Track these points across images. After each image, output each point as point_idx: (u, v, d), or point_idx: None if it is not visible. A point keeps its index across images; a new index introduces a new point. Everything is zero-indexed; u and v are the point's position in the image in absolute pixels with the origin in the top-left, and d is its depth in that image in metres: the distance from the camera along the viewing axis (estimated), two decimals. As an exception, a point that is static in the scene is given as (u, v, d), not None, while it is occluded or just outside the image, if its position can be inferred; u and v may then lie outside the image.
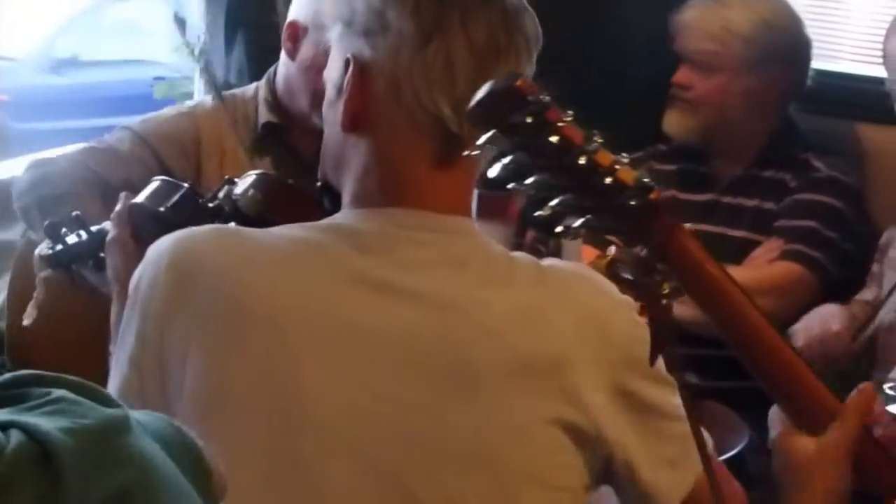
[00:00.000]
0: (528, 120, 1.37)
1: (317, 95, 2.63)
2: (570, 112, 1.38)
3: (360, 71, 1.66)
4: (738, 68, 3.28)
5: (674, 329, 1.44)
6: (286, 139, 2.96)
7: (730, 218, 3.31)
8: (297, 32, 2.85)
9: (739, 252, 3.23)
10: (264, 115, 2.97)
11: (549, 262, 1.73)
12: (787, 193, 3.26)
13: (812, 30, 3.40)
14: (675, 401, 1.57)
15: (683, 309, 1.57)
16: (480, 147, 1.41)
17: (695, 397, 1.72)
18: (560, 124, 1.38)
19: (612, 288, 1.70)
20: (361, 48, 1.66)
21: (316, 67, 2.72)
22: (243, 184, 2.07)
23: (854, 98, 3.41)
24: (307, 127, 2.84)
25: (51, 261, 2.33)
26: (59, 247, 2.32)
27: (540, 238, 2.74)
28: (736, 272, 2.85)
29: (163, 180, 2.19)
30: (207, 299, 1.62)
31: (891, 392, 2.13)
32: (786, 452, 1.54)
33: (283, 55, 2.91)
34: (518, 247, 2.54)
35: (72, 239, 2.32)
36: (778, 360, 1.52)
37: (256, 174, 2.09)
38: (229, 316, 1.62)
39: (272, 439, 1.60)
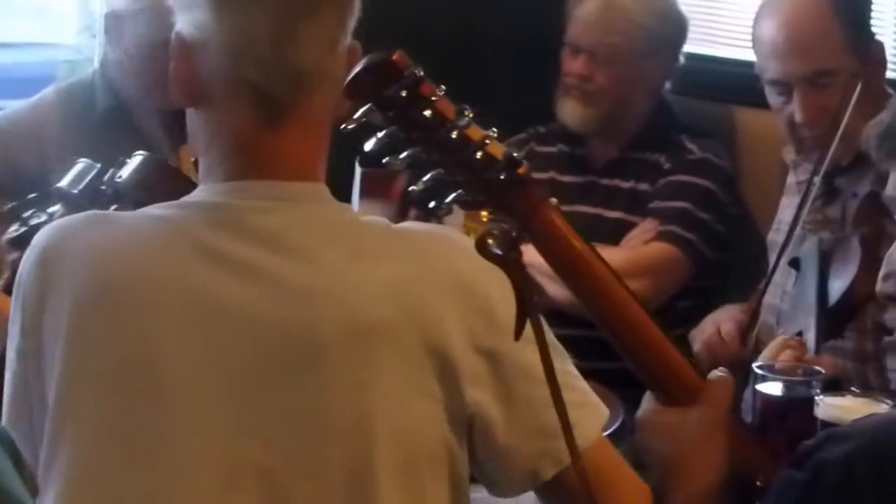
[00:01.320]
0: (402, 94, 1.39)
1: (147, 78, 2.84)
2: (443, 87, 1.40)
3: (181, 46, 1.66)
4: (638, 57, 3.34)
5: (539, 302, 1.47)
6: (128, 122, 3.05)
7: (606, 199, 3.36)
8: (115, 21, 3.01)
9: (616, 233, 3.28)
10: (104, 101, 3.07)
11: (403, 224, 1.72)
12: (662, 175, 3.31)
13: (689, 14, 3.45)
14: (568, 369, 1.60)
15: (560, 290, 1.60)
16: (357, 121, 1.43)
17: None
18: (433, 98, 1.40)
19: (473, 251, 1.67)
20: (181, 24, 1.66)
21: (141, 51, 2.93)
22: (128, 167, 2.08)
23: (728, 82, 3.45)
24: (144, 109, 2.98)
25: (16, 243, 2.35)
26: (24, 228, 2.34)
27: (423, 217, 2.76)
28: (611, 253, 2.92)
29: (84, 163, 2.25)
30: (74, 282, 1.64)
31: (759, 371, 2.18)
32: (655, 428, 1.56)
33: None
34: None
35: (35, 220, 2.35)
36: (641, 337, 1.56)
37: (140, 157, 2.11)
38: (92, 295, 1.63)
39: (130, 414, 1.60)
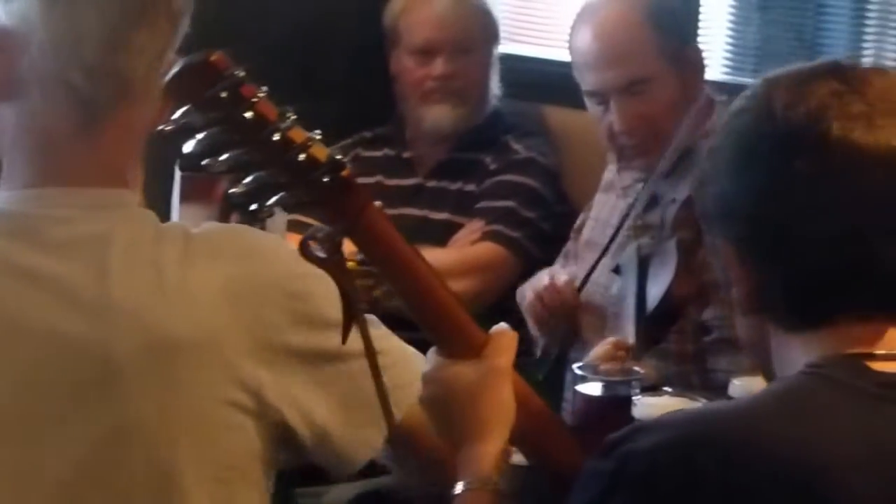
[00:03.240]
0: (223, 95, 1.38)
1: None
2: (265, 88, 1.39)
3: (1, 36, 1.61)
4: (490, 46, 3.41)
5: (363, 302, 1.47)
6: None
7: (434, 201, 3.38)
8: None
9: (443, 235, 3.30)
10: None
11: (202, 228, 1.69)
12: (487, 175, 3.34)
13: (504, 14, 3.54)
14: (380, 332, 1.60)
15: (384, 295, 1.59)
16: (177, 122, 1.41)
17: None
18: (254, 100, 1.39)
19: (273, 247, 1.69)
20: (3, 13, 1.62)
21: None
22: None
23: (544, 81, 3.48)
24: None
25: None
26: None
27: (244, 221, 2.73)
28: (438, 254, 2.92)
29: None
30: None
31: (579, 372, 2.21)
32: (450, 382, 1.54)
33: None
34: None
35: None
36: (465, 340, 1.55)
37: None
38: None
39: None
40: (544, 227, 3.29)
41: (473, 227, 3.27)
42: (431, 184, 3.41)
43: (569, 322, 2.84)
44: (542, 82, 3.46)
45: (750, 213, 1.39)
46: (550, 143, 3.46)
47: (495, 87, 3.44)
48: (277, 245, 1.71)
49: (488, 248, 3.23)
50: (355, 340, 1.57)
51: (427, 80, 3.36)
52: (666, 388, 2.40)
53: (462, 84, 3.36)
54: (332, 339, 1.62)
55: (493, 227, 3.24)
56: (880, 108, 1.38)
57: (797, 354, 1.39)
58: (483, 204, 3.30)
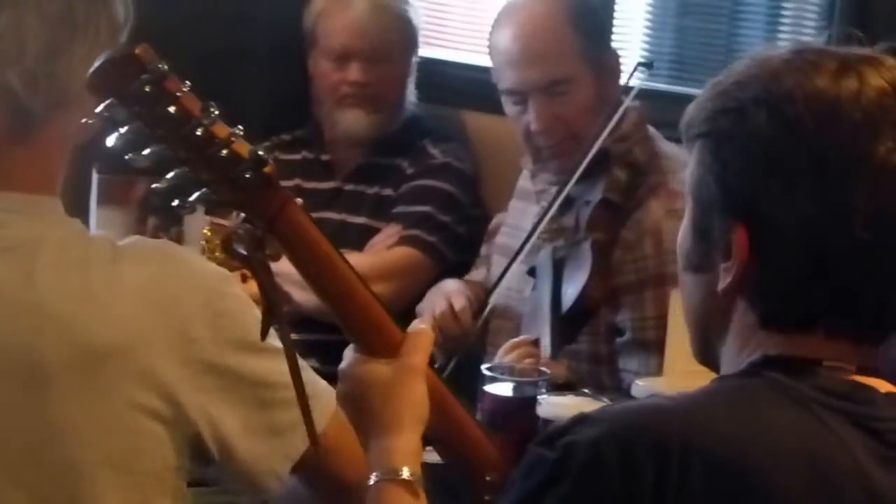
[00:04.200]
0: (146, 89, 1.38)
1: None
2: (188, 83, 1.39)
3: None
4: (407, 54, 3.41)
5: (284, 303, 1.48)
6: None
7: (352, 205, 3.38)
8: None
9: (361, 238, 3.31)
10: None
11: (129, 241, 1.71)
12: (405, 179, 3.36)
13: (424, 19, 3.52)
14: (279, 368, 1.58)
15: (307, 296, 1.60)
16: (98, 116, 1.41)
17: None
18: (178, 94, 1.39)
19: (199, 265, 1.71)
20: None
21: None
22: None
23: (463, 86, 3.50)
24: None
25: None
26: None
27: (162, 225, 2.73)
28: (356, 258, 2.93)
29: None
30: None
31: (487, 372, 2.23)
32: (364, 378, 1.55)
33: None
34: (139, 234, 2.52)
35: None
36: (383, 339, 1.56)
37: None
38: None
39: None
40: (460, 231, 3.31)
41: (390, 232, 3.28)
42: (349, 187, 3.42)
43: (465, 344, 2.86)
44: (462, 87, 3.48)
45: (780, 214, 1.38)
46: (467, 147, 3.49)
47: (412, 93, 3.45)
48: (203, 261, 1.74)
49: (405, 253, 3.24)
50: (276, 370, 1.60)
51: (342, 84, 3.37)
52: (584, 391, 2.43)
53: (376, 91, 3.36)
54: (253, 364, 1.67)
55: (411, 232, 3.26)
56: None
57: (754, 344, 1.42)
58: (400, 209, 3.32)
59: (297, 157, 3.49)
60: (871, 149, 1.37)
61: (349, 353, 1.59)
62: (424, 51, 3.52)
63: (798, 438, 1.33)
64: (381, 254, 3.24)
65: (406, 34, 3.40)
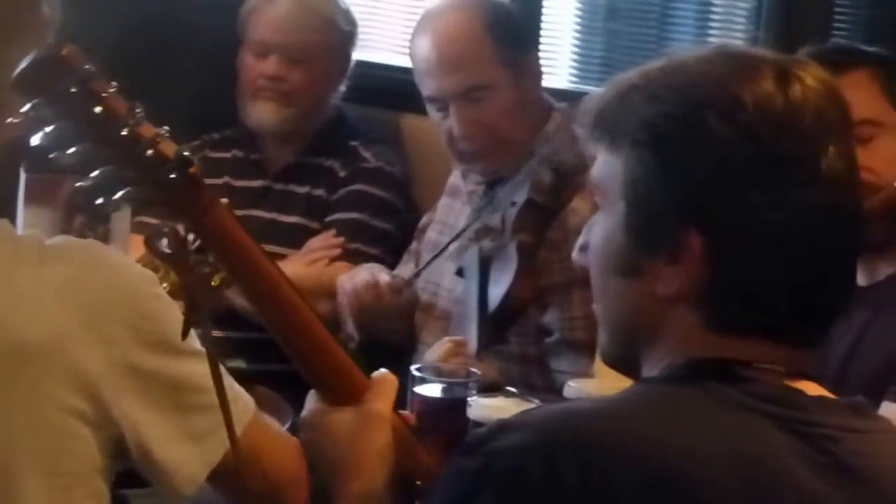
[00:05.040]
0: (73, 89, 1.39)
1: None
2: (115, 83, 1.41)
3: None
4: (330, 55, 3.42)
5: (209, 304, 1.47)
6: None
7: (282, 204, 3.40)
8: None
9: (292, 237, 3.32)
10: None
11: (56, 240, 1.71)
12: (338, 182, 3.38)
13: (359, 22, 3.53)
14: (201, 371, 1.59)
15: (232, 293, 1.61)
16: (24, 115, 1.42)
17: (242, 380, 1.76)
18: (104, 95, 1.40)
19: (123, 265, 1.71)
20: None
21: None
22: None
23: (396, 88, 3.51)
24: None
25: None
26: None
27: (89, 224, 2.73)
28: (300, 274, 2.96)
29: None
30: None
31: (417, 373, 2.25)
32: (319, 427, 1.58)
33: None
34: (66, 233, 2.53)
35: None
36: (309, 338, 1.57)
37: None
38: None
39: None
40: (398, 237, 3.33)
41: (332, 242, 3.29)
42: (279, 186, 3.44)
43: (383, 322, 2.88)
44: (394, 89, 3.49)
45: (738, 222, 1.38)
46: (397, 150, 3.52)
47: (337, 94, 3.46)
48: (128, 262, 1.73)
49: (347, 269, 3.24)
50: (197, 373, 1.61)
51: (259, 77, 3.38)
52: (510, 389, 2.46)
53: (290, 88, 3.38)
54: (174, 367, 1.67)
55: (352, 246, 3.27)
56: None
57: (680, 346, 1.41)
58: (338, 216, 3.33)
59: (227, 155, 3.50)
60: (822, 153, 1.38)
61: (311, 402, 1.60)
62: (360, 54, 3.54)
63: (726, 443, 1.33)
64: (323, 270, 3.24)
65: (330, 36, 3.41)
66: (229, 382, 1.67)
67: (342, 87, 3.48)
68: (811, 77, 1.40)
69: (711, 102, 1.38)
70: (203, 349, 1.60)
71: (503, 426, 1.34)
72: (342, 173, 3.38)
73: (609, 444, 1.30)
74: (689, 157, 1.38)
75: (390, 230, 3.33)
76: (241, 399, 1.73)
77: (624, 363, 1.48)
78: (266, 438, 1.73)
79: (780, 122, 1.37)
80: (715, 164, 1.37)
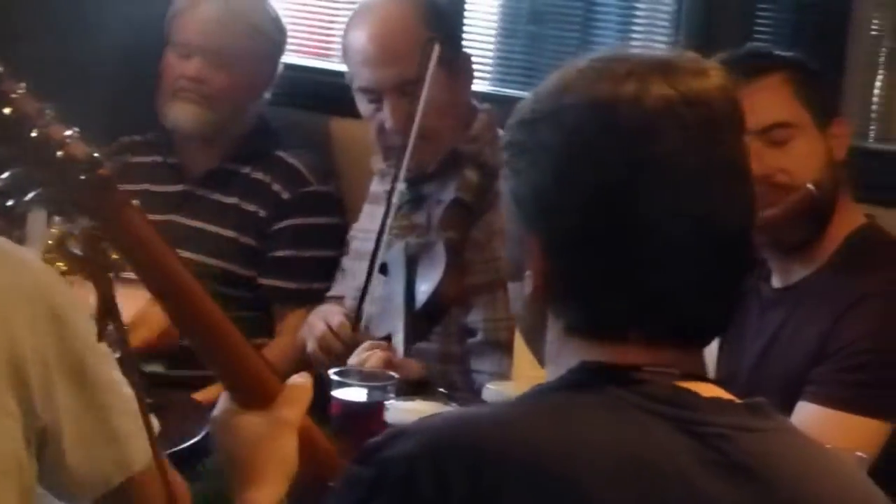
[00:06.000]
0: (-19, 92, 1.40)
1: None
2: (24, 84, 1.42)
3: None
4: (254, 61, 3.43)
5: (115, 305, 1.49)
6: None
7: (208, 212, 3.39)
8: None
9: (217, 246, 3.32)
10: None
11: None
12: (280, 204, 3.37)
13: (290, 26, 3.55)
14: (113, 375, 1.61)
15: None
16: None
17: (160, 385, 1.78)
18: (13, 96, 1.41)
19: (37, 267, 1.72)
20: None
21: None
22: None
23: (328, 92, 3.55)
24: None
25: None
26: None
27: (3, 226, 2.73)
28: (279, 353, 2.98)
29: None
30: None
31: (335, 377, 2.28)
32: (234, 429, 1.58)
33: None
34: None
35: None
36: (223, 341, 1.59)
37: None
38: None
39: None
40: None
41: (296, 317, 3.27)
42: (201, 192, 3.43)
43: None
44: (327, 93, 3.51)
45: (566, 223, 1.41)
46: (325, 155, 3.54)
47: (263, 101, 3.48)
48: (40, 264, 1.75)
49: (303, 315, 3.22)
50: (108, 376, 1.63)
51: (181, 77, 3.39)
52: (439, 390, 2.49)
53: (211, 91, 3.38)
54: (89, 369, 1.69)
55: (314, 286, 3.29)
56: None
57: (572, 351, 1.43)
58: (289, 252, 3.35)
59: (147, 160, 3.49)
60: (651, 151, 1.38)
61: (223, 402, 1.61)
62: (290, 57, 3.55)
63: (619, 446, 1.34)
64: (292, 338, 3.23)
65: (256, 43, 3.42)
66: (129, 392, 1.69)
67: (267, 95, 3.49)
68: (664, 81, 1.39)
69: (552, 108, 1.41)
70: (113, 353, 1.62)
71: (397, 434, 1.36)
72: (286, 195, 3.38)
73: (499, 450, 1.32)
74: (526, 162, 1.42)
75: (337, 255, 3.33)
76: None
77: (537, 357, 1.51)
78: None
79: (605, 120, 1.39)
80: (546, 167, 1.40)
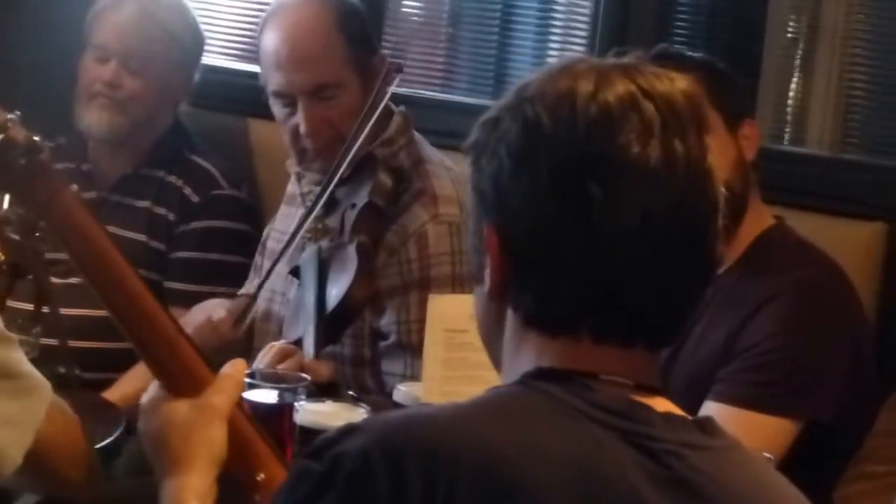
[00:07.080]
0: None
1: None
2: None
3: None
4: (170, 68, 3.47)
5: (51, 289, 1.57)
6: None
7: (122, 218, 3.40)
8: None
9: (132, 252, 3.28)
10: None
11: None
12: (190, 207, 3.41)
13: (218, 30, 3.64)
14: (15, 356, 1.64)
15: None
16: None
17: (75, 387, 1.82)
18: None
19: None
20: None
21: None
22: None
23: (242, 93, 3.58)
24: None
25: None
26: None
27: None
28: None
29: None
30: None
31: (247, 379, 2.32)
32: (164, 416, 1.65)
33: None
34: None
35: None
36: (154, 329, 1.67)
37: None
38: None
39: None
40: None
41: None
42: (116, 198, 3.46)
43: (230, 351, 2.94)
44: (245, 95, 3.51)
45: (522, 212, 1.43)
46: (243, 156, 3.61)
47: (175, 109, 3.53)
48: None
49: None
50: (13, 359, 1.66)
51: (97, 82, 3.42)
52: (349, 392, 2.55)
53: (125, 96, 3.42)
54: (4, 353, 1.69)
55: (205, 289, 3.30)
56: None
57: (529, 354, 1.45)
58: (193, 254, 3.38)
59: (60, 167, 3.50)
60: (607, 144, 1.39)
61: (152, 390, 1.67)
62: (214, 59, 3.61)
63: (570, 455, 1.35)
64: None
65: (172, 50, 3.47)
66: (30, 369, 1.73)
67: (184, 103, 3.54)
68: (625, 77, 1.43)
69: (514, 104, 1.45)
70: (14, 336, 1.66)
71: (350, 430, 1.38)
72: (195, 199, 3.43)
73: (453, 451, 1.34)
74: (486, 157, 1.46)
75: (246, 262, 3.35)
76: (42, 387, 1.75)
77: (493, 357, 1.53)
78: (62, 425, 1.77)
79: (562, 113, 1.41)
80: (504, 159, 1.44)
